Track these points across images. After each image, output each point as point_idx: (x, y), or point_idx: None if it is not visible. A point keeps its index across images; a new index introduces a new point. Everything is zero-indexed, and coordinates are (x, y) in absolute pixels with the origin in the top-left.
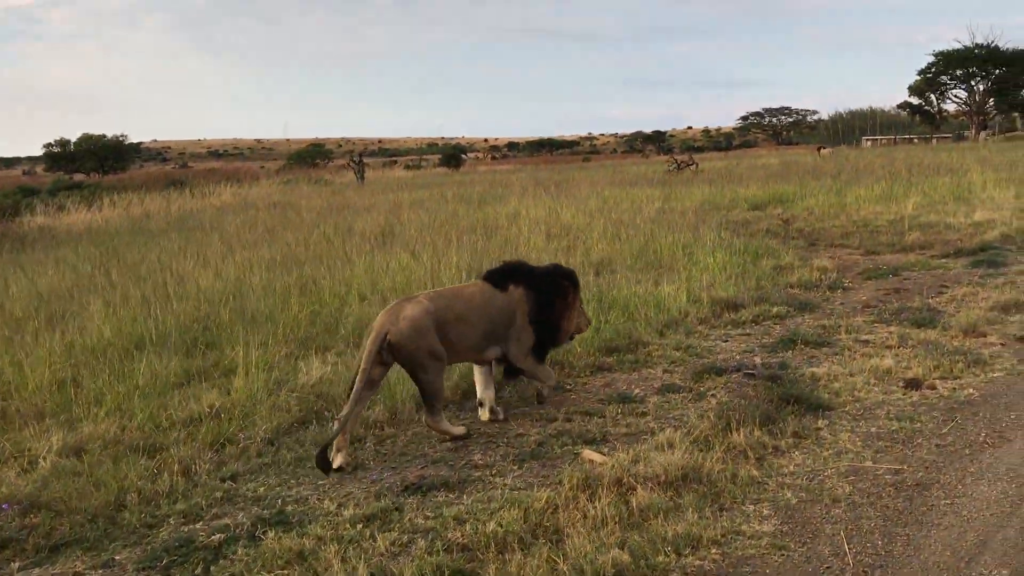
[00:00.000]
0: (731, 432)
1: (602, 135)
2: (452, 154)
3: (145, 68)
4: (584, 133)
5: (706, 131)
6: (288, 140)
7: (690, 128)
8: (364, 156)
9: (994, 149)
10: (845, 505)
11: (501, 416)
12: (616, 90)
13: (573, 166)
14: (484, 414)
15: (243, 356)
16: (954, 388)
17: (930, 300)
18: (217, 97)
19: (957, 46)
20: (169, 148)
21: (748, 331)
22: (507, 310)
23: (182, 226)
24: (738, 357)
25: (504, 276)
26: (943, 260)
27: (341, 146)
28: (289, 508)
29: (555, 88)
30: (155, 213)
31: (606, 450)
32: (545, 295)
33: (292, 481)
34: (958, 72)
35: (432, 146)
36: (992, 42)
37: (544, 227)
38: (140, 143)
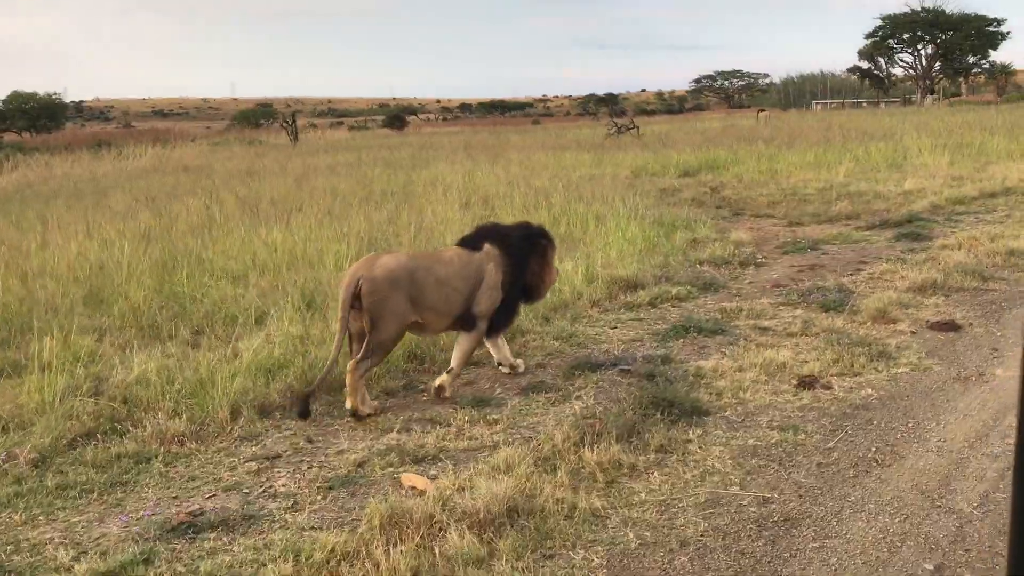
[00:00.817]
0: (584, 447)
1: (556, 97)
2: (395, 115)
3: (88, 24)
4: (539, 95)
5: (659, 94)
6: (236, 100)
7: (644, 91)
8: (314, 116)
9: (936, 114)
10: (693, 550)
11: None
12: (571, 52)
13: (520, 128)
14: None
15: (50, 349)
16: (851, 388)
17: (845, 279)
18: (165, 55)
19: (905, 10)
20: (112, 107)
21: (642, 316)
22: (482, 268)
23: (74, 192)
24: (621, 348)
25: (477, 238)
26: (867, 233)
27: (290, 106)
28: (16, 559)
29: (510, 50)
30: (56, 177)
31: (433, 472)
32: (521, 255)
33: (42, 518)
34: (905, 36)
35: (384, 107)
36: (939, 6)
37: (463, 195)
38: (82, 101)
